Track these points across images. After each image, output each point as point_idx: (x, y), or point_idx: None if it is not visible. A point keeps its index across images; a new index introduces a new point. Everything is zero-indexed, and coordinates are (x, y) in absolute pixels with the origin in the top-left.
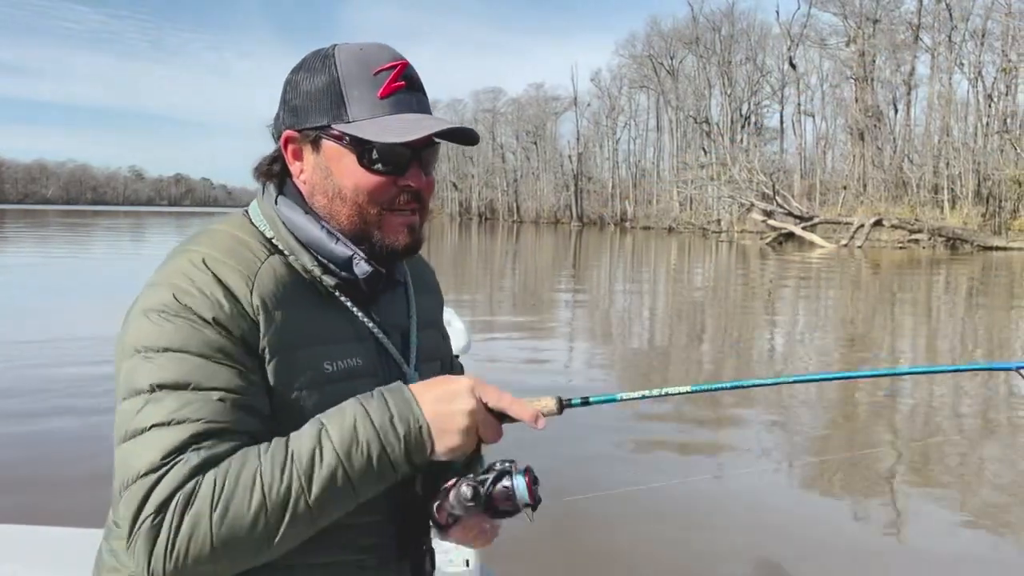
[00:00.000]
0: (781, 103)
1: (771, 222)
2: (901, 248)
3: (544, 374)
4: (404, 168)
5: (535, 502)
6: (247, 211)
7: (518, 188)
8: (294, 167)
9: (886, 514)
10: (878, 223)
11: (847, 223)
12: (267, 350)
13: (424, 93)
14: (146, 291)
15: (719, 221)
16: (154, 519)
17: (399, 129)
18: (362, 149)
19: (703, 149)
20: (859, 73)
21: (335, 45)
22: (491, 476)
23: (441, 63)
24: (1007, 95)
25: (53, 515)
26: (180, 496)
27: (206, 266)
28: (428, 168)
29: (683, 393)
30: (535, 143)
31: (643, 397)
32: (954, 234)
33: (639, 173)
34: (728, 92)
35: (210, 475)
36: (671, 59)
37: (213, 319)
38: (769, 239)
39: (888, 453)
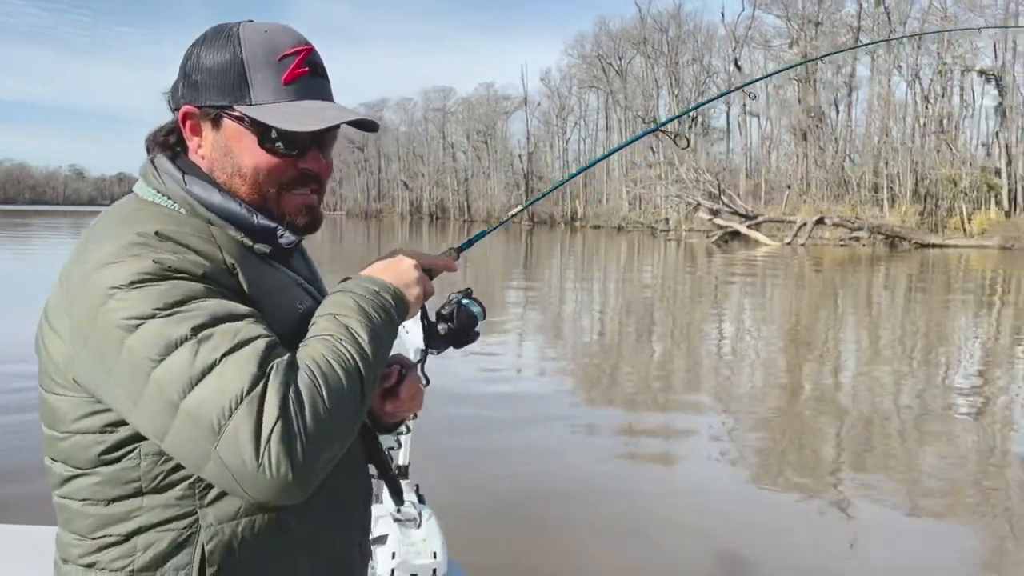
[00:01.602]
0: (727, 104)
1: (717, 221)
2: (842, 246)
3: (496, 370)
4: (304, 151)
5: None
6: (139, 194)
7: (469, 187)
8: (192, 142)
9: (832, 507)
10: (820, 221)
11: (791, 221)
12: (252, 300)
13: (327, 79)
14: (102, 273)
15: (667, 220)
16: (283, 425)
17: (302, 117)
18: (263, 131)
19: (651, 149)
20: (802, 74)
21: (239, 23)
22: (452, 310)
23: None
24: (943, 96)
25: None
26: (291, 394)
27: (166, 236)
28: (327, 151)
29: (539, 199)
30: (486, 142)
31: (512, 216)
32: (893, 232)
33: (589, 173)
34: (676, 92)
35: (300, 371)
36: (619, 59)
37: (203, 275)
38: (715, 237)
39: (832, 444)
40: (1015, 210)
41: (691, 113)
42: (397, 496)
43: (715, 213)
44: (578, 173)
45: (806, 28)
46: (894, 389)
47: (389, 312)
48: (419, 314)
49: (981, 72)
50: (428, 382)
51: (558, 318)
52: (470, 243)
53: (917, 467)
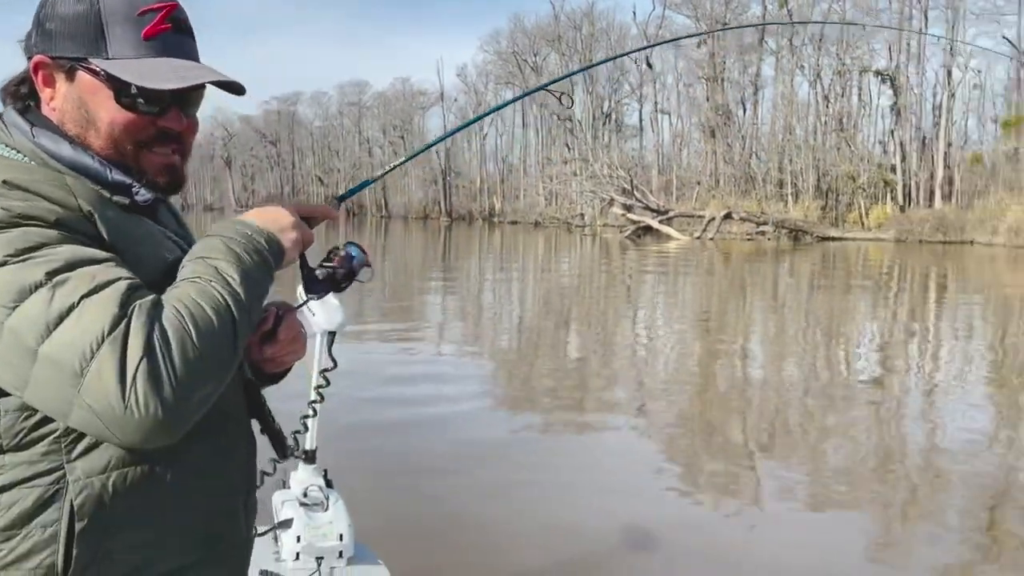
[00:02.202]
0: (640, 101)
1: (630, 216)
2: (749, 240)
3: (414, 358)
4: (165, 110)
5: (370, 264)
6: None
7: (386, 183)
8: (44, 93)
9: (737, 488)
10: (728, 216)
11: (700, 216)
12: (113, 248)
13: (192, 37)
14: None
15: (583, 215)
16: (148, 363)
17: (161, 75)
18: (121, 86)
19: (567, 145)
20: (710, 73)
21: None
22: (330, 255)
23: (305, 54)
24: (842, 96)
25: None
26: (156, 332)
27: (14, 185)
28: (190, 110)
29: (426, 148)
30: (402, 137)
31: (393, 168)
32: (796, 226)
33: (506, 169)
34: (590, 90)
35: (166, 310)
36: (535, 56)
37: (56, 221)
38: (629, 232)
39: (740, 429)
40: (909, 204)
41: (603, 110)
42: (280, 451)
43: (628, 208)
44: (456, 131)
45: (714, 28)
46: (799, 376)
47: (263, 254)
48: (299, 262)
49: (877, 73)
50: (335, 364)
51: (477, 310)
52: (352, 192)
53: (821, 452)
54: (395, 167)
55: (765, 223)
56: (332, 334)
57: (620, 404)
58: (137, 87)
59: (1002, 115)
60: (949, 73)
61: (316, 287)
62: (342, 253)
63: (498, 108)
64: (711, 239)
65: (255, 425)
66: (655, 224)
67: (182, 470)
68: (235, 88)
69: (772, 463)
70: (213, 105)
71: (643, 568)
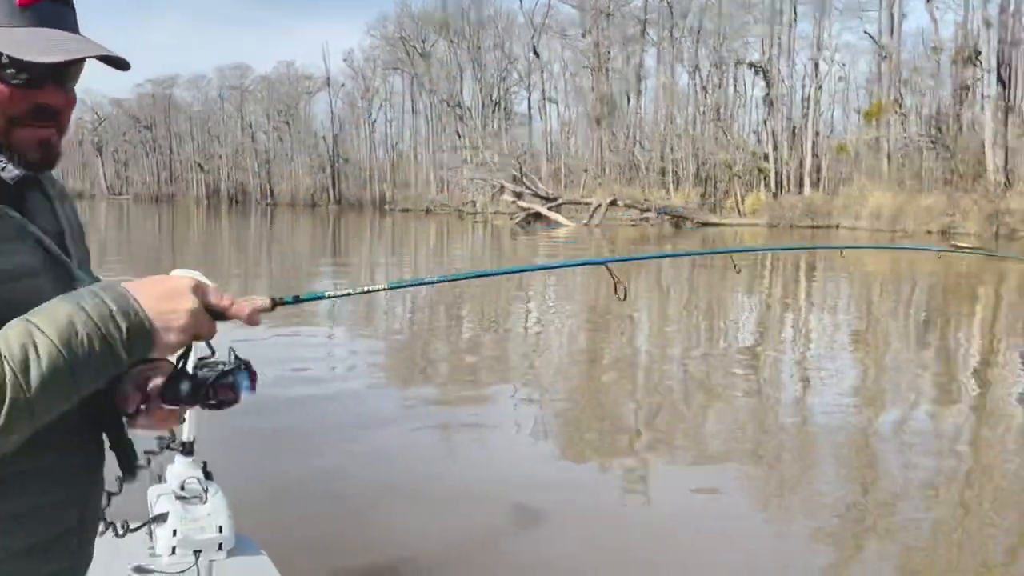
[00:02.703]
0: (528, 89)
1: (520, 203)
2: (633, 226)
3: (304, 348)
4: (41, 83)
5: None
6: None
7: (271, 169)
8: None
9: (626, 468)
10: (613, 203)
11: (587, 203)
12: None
13: (72, 8)
14: None
15: (474, 203)
16: None
17: (40, 46)
18: None
19: (457, 133)
20: (595, 63)
21: None
22: (211, 376)
23: (183, 36)
24: (719, 87)
25: None
26: None
27: None
28: (68, 84)
29: (380, 290)
30: (288, 123)
31: (348, 294)
32: (677, 212)
33: (396, 155)
34: (479, 77)
35: None
36: (423, 42)
37: None
38: (519, 219)
39: (628, 410)
40: (781, 191)
41: (492, 97)
42: (128, 471)
43: (519, 196)
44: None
45: (598, 19)
46: (680, 356)
47: (112, 347)
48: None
49: (751, 65)
50: (213, 352)
51: (367, 300)
52: (298, 300)
53: (702, 428)
54: (350, 293)
55: (648, 210)
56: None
57: (508, 383)
58: (9, 58)
59: (864, 106)
60: (816, 66)
61: (175, 393)
62: (230, 380)
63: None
64: (597, 225)
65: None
66: (544, 211)
67: (7, 493)
68: (120, 64)
69: (656, 431)
70: (81, 86)
71: (532, 536)
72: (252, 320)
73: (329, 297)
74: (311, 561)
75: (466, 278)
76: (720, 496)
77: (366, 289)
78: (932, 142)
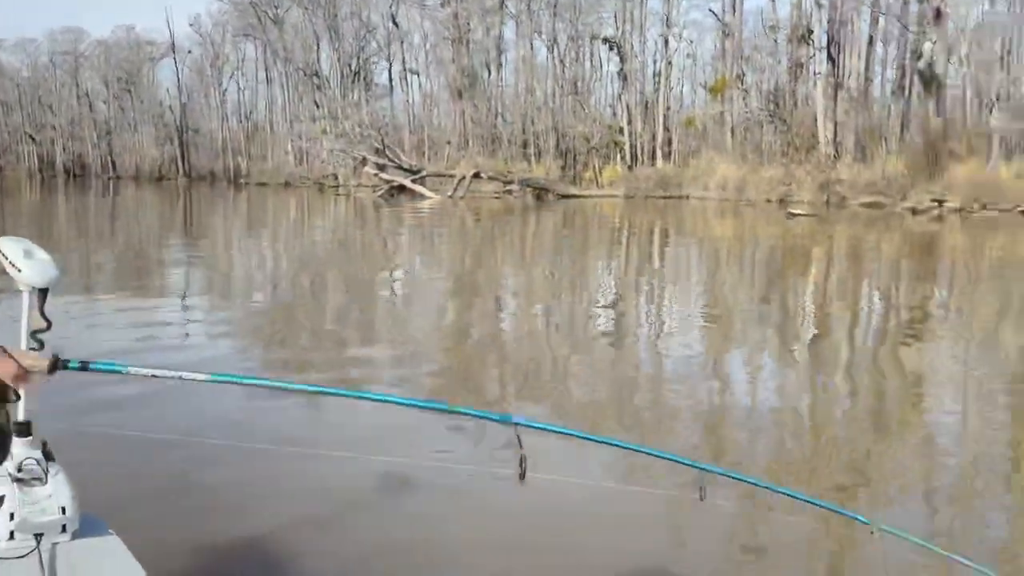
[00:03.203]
0: (388, 60)
1: (383, 175)
2: (497, 198)
3: (159, 329)
4: None
5: None
6: None
7: (112, 141)
8: None
9: (498, 431)
10: (476, 175)
11: (451, 175)
12: None
13: None
14: None
15: (335, 175)
16: None
17: None
18: None
19: (315, 103)
20: (455, 34)
21: None
22: None
23: None
24: (576, 61)
25: None
26: None
27: None
28: None
29: (200, 380)
30: (129, 91)
31: (153, 376)
32: (539, 185)
33: (251, 126)
34: (336, 46)
35: None
36: (275, 8)
37: None
38: (382, 192)
39: (496, 376)
40: (635, 164)
41: (351, 67)
42: None
43: (381, 168)
44: None
45: None
46: (545, 320)
47: None
48: None
49: (605, 40)
50: (49, 325)
51: (228, 277)
52: (84, 367)
53: (569, 389)
54: (155, 375)
55: (511, 182)
56: (44, 291)
57: (375, 356)
58: None
59: (710, 82)
60: (666, 42)
61: None
62: None
63: None
64: (462, 198)
65: None
66: (408, 183)
67: None
68: None
69: (523, 399)
70: None
71: (391, 517)
72: (18, 383)
73: (128, 373)
74: (167, 538)
75: (302, 391)
76: (583, 463)
77: (179, 375)
78: (771, 116)
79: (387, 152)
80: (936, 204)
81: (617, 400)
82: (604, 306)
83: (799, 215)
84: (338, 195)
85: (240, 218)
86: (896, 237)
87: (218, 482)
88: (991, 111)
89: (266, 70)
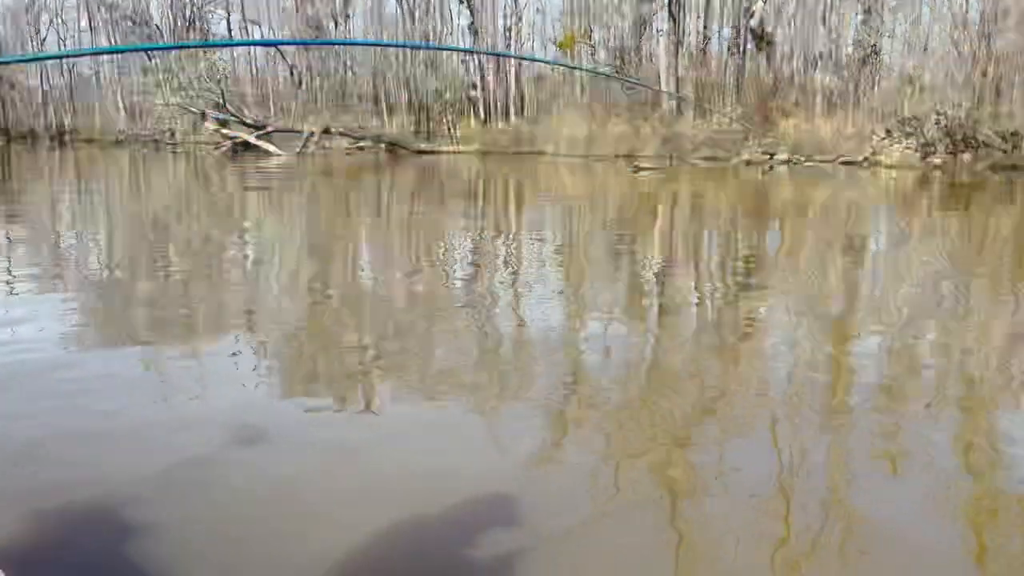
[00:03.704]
0: (227, 9)
1: (226, 132)
2: (349, 155)
3: None
4: None
5: None
6: None
7: None
8: None
9: (359, 405)
10: (327, 131)
11: (299, 132)
12: None
13: None
14: None
15: (172, 132)
16: None
17: None
18: None
19: (147, 55)
20: None
21: None
22: None
23: None
24: (428, 15)
25: None
26: None
27: None
28: None
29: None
30: None
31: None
32: (393, 141)
33: (76, 80)
34: None
35: None
36: None
37: None
38: (226, 149)
39: (355, 345)
40: (489, 120)
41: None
42: None
43: (223, 124)
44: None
45: None
46: (406, 283)
47: None
48: None
49: None
50: None
51: (52, 247)
52: None
53: (431, 357)
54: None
55: (363, 138)
56: None
57: (225, 323)
58: None
59: (559, 38)
60: None
61: None
62: None
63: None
64: (312, 155)
65: None
66: (253, 140)
67: None
68: None
69: (383, 366)
70: None
71: (265, 479)
72: None
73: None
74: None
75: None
76: (447, 426)
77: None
78: (617, 72)
79: (228, 107)
80: (768, 156)
81: (474, 359)
82: (464, 271)
83: (645, 169)
84: (176, 153)
85: (66, 179)
86: (732, 188)
87: (85, 469)
88: (815, 68)
89: (89, 18)
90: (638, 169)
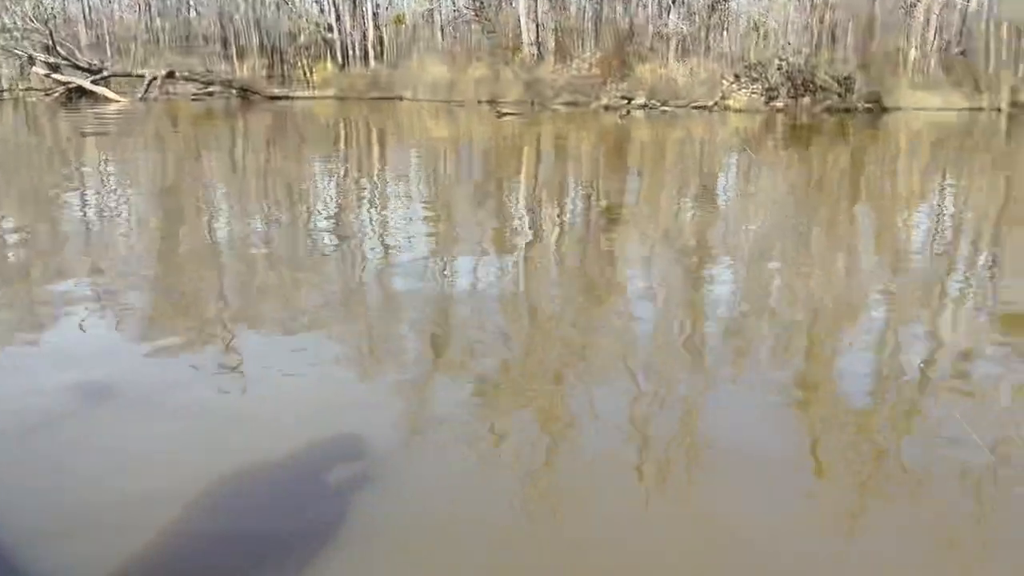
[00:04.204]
0: None
1: (57, 77)
2: (196, 100)
3: None
4: None
5: None
6: None
7: None
8: None
9: (221, 355)
10: (171, 75)
11: (140, 76)
12: None
13: None
14: None
15: None
16: None
17: None
18: None
19: None
20: None
21: None
22: None
23: None
24: None
25: None
26: None
27: None
28: None
29: None
30: None
31: None
32: (244, 86)
33: None
34: None
35: None
36: None
37: None
38: (58, 95)
39: (214, 293)
40: (347, 64)
41: None
42: None
43: (54, 68)
44: None
45: None
46: (264, 232)
47: None
48: None
49: None
50: None
51: None
52: None
53: (295, 301)
54: None
55: (211, 83)
56: None
57: (74, 277)
58: None
59: None
60: None
61: None
62: None
63: None
64: (155, 100)
65: None
66: (88, 85)
67: None
68: None
69: (246, 318)
70: None
71: (132, 436)
72: None
73: None
74: None
75: None
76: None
77: None
78: (476, 15)
79: (59, 50)
80: (625, 101)
81: (342, 304)
82: (326, 214)
83: (507, 114)
84: (1, 100)
85: None
86: (592, 132)
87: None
88: (668, 13)
89: None
90: (501, 115)
